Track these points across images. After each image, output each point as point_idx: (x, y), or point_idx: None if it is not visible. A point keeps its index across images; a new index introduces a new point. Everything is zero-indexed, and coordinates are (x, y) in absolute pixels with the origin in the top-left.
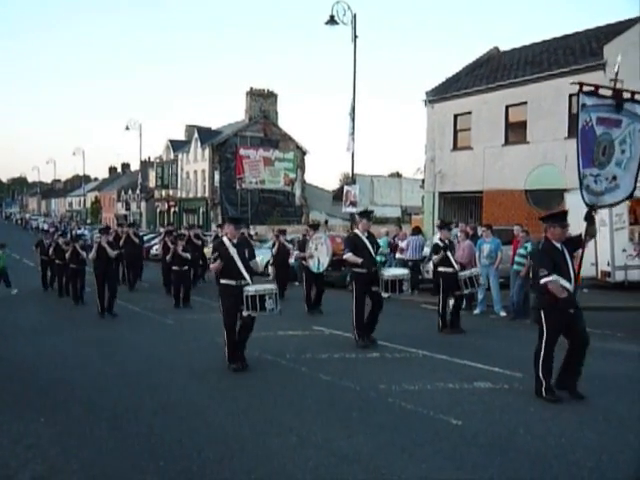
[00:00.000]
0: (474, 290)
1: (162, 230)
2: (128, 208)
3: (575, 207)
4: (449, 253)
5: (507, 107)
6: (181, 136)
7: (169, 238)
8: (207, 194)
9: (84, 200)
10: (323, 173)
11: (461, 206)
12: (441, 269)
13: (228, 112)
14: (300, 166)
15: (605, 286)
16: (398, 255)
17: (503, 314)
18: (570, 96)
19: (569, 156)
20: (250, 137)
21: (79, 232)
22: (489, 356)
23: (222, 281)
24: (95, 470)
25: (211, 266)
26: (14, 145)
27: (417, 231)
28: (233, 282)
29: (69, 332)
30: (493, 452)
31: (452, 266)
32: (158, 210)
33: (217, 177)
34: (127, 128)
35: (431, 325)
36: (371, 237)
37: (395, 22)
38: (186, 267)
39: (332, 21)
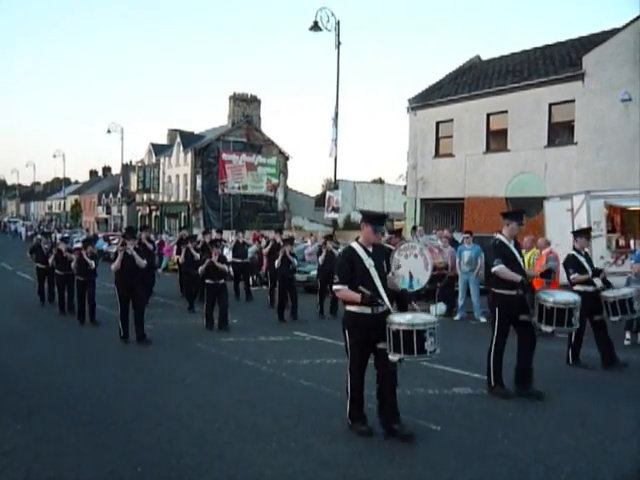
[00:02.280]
0: (625, 317)
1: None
2: (109, 212)
3: (553, 214)
4: (588, 266)
5: (488, 115)
6: (163, 140)
7: (192, 244)
8: (189, 198)
9: (64, 203)
10: (306, 179)
11: (442, 213)
12: (579, 288)
13: (211, 117)
14: (283, 171)
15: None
16: None
17: (483, 320)
18: (550, 105)
19: (548, 164)
20: (233, 142)
21: (86, 236)
22: (469, 362)
23: (350, 308)
24: (72, 476)
25: (335, 288)
26: None
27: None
28: (367, 310)
29: (47, 337)
30: (472, 457)
31: (593, 283)
32: (139, 214)
33: (199, 181)
34: (109, 131)
35: None
36: (518, 246)
37: (378, 30)
38: (223, 280)
39: (316, 27)
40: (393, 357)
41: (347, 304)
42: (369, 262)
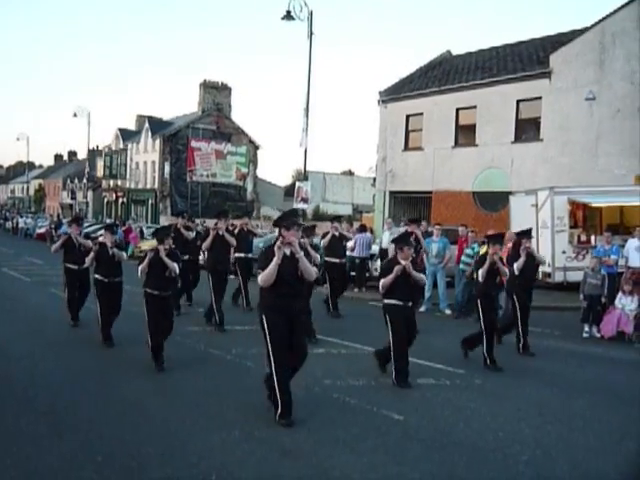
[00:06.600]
0: None
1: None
2: (74, 197)
3: (518, 209)
4: None
5: (457, 110)
6: (132, 126)
7: (308, 238)
8: (156, 185)
9: (27, 187)
10: (275, 169)
11: (411, 205)
12: None
13: (181, 104)
14: (252, 161)
15: (546, 287)
16: (348, 253)
17: (448, 312)
18: (517, 102)
19: (515, 160)
20: (202, 129)
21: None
22: (432, 353)
23: None
24: (30, 466)
25: None
26: None
27: (364, 229)
28: None
29: (6, 326)
30: (433, 446)
31: None
32: (105, 200)
33: (167, 169)
34: (75, 115)
35: (379, 322)
36: None
37: (351, 22)
38: (411, 303)
39: (288, 16)
40: None
41: None
42: None
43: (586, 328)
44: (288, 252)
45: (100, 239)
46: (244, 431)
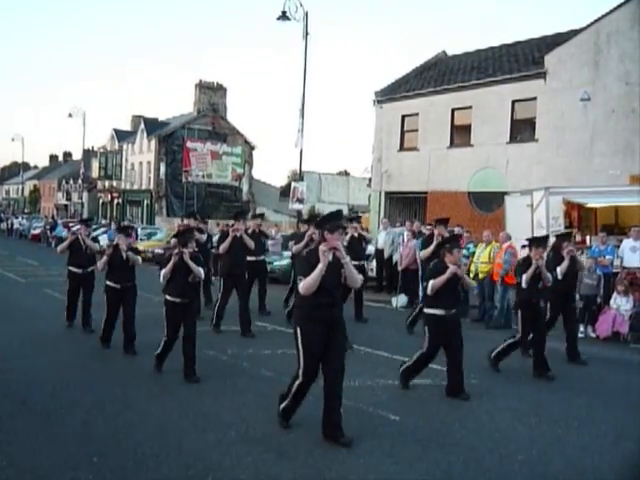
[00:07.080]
0: None
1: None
2: (69, 198)
3: (513, 209)
4: None
5: (453, 110)
6: (127, 126)
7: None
8: (152, 186)
9: (22, 188)
10: (271, 169)
11: (406, 206)
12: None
13: (176, 104)
14: (248, 161)
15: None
16: None
17: None
18: (513, 102)
19: (510, 160)
20: (198, 130)
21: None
22: None
23: None
24: (25, 466)
25: None
26: None
27: None
28: None
29: (1, 326)
30: (429, 446)
31: None
32: (101, 201)
33: (163, 169)
34: (70, 115)
35: (374, 322)
36: None
37: (347, 22)
38: (454, 310)
39: (284, 17)
40: None
41: None
42: None
43: (581, 328)
44: (331, 257)
45: (104, 241)
46: (240, 431)
